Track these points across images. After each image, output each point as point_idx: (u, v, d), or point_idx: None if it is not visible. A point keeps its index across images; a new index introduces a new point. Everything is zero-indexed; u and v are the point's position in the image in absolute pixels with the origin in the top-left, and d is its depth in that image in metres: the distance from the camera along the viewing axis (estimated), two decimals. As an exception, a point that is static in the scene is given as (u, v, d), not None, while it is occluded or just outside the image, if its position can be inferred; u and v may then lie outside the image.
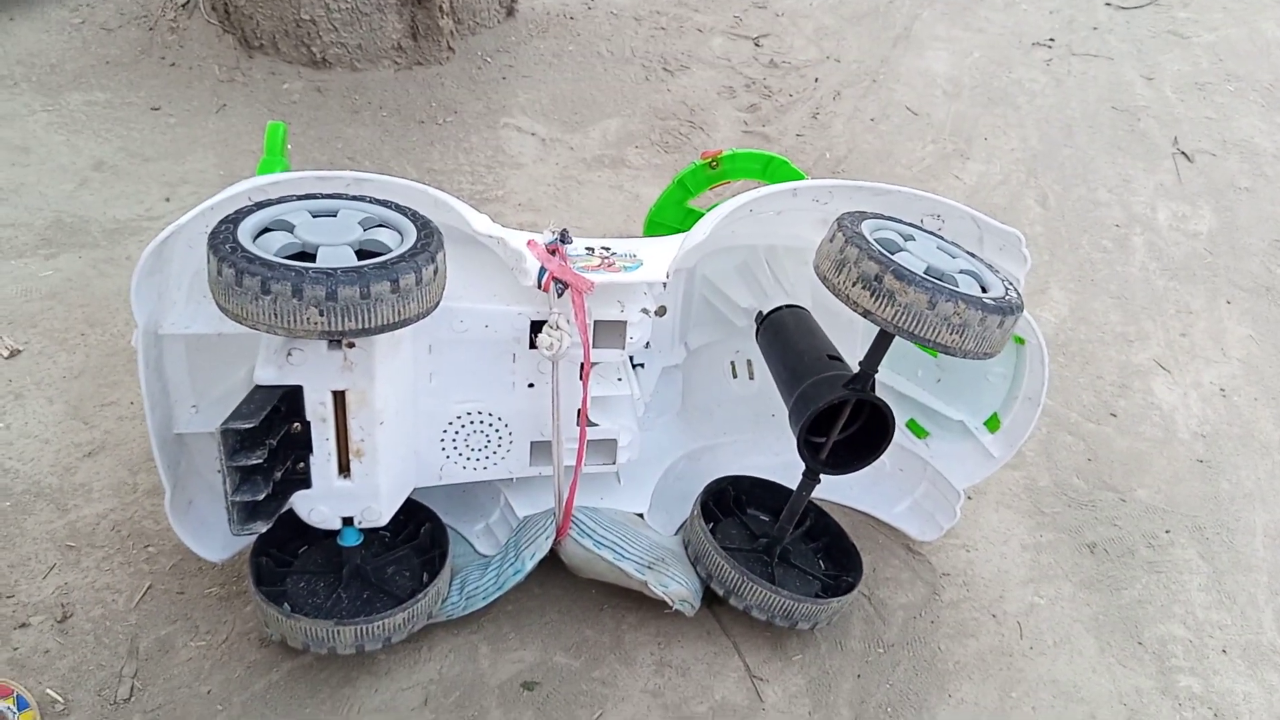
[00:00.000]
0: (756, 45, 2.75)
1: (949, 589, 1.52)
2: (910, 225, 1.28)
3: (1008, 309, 1.12)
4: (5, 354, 1.67)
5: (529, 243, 1.23)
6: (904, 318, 1.10)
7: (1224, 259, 2.20)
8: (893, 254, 1.15)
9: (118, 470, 1.52)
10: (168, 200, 2.00)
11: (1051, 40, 2.93)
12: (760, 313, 1.51)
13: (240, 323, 0.98)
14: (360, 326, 0.98)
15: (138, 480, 1.50)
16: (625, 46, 2.64)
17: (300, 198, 1.12)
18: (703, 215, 1.73)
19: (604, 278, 1.24)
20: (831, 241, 1.18)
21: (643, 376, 1.52)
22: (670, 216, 1.77)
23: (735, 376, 1.67)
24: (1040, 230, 2.22)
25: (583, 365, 1.25)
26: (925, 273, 1.14)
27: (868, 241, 1.14)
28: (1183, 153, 2.50)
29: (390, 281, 0.97)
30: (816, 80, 2.63)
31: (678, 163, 2.28)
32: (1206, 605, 1.54)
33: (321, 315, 0.96)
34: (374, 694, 1.30)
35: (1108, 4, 3.14)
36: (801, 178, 1.72)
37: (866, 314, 1.13)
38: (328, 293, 0.95)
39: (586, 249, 1.31)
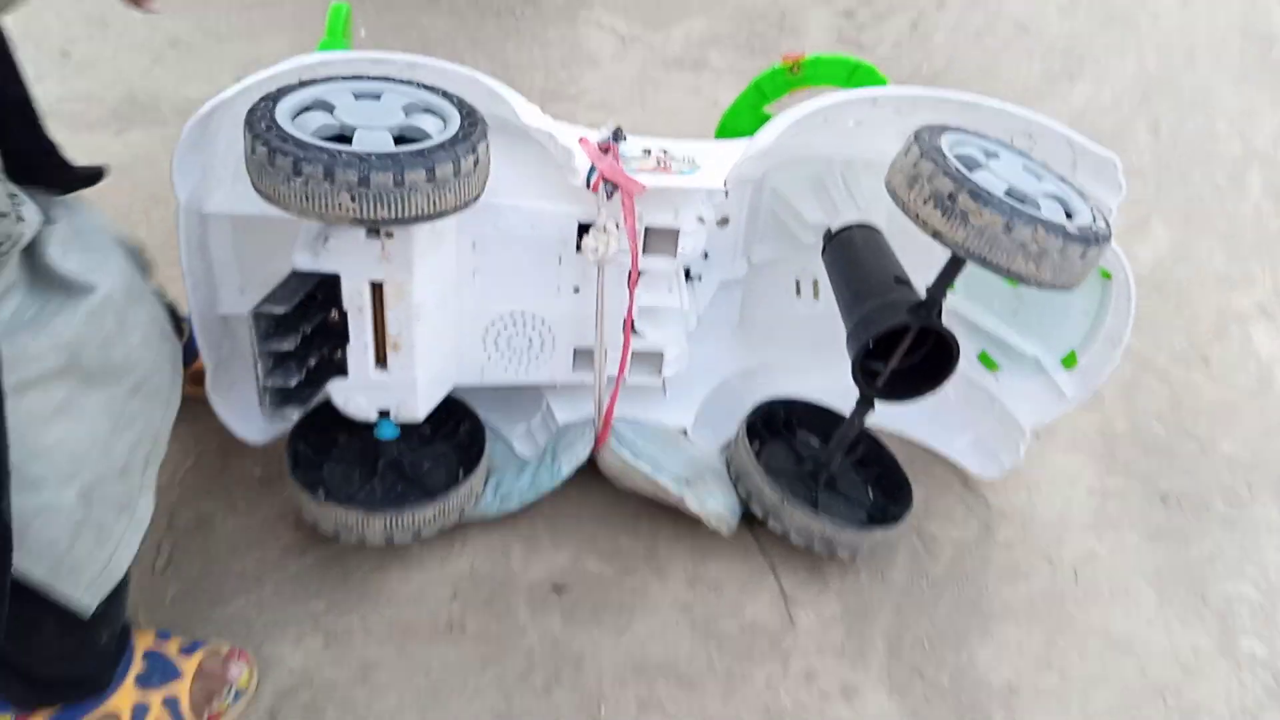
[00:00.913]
0: (859, -53, 2.63)
1: (1004, 528, 1.48)
2: (997, 142, 1.22)
3: (1092, 239, 1.05)
4: (72, 226, 1.71)
5: (581, 140, 1.20)
6: (977, 241, 1.05)
7: (1350, 202, 2.06)
8: (971, 171, 1.10)
9: (172, 347, 1.55)
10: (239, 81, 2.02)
11: (1184, -46, 2.74)
12: (829, 230, 1.46)
13: (272, 204, 0.97)
14: (394, 215, 0.96)
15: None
16: (719, -58, 2.54)
17: (346, 78, 1.10)
18: (775, 121, 1.67)
19: (658, 180, 1.20)
20: (906, 155, 1.12)
21: (699, 288, 1.48)
22: (744, 122, 1.72)
23: (799, 295, 1.62)
24: (1149, 160, 2.10)
25: (631, 272, 1.23)
26: (1006, 194, 1.07)
27: (945, 156, 1.08)
28: (1318, 85, 2.34)
29: (426, 170, 0.95)
30: (921, -13, 2.51)
31: (762, 68, 2.20)
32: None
33: (354, 201, 0.94)
34: (404, 584, 1.32)
35: (1253, -83, 2.91)
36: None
37: (936, 234, 1.07)
38: (360, 177, 0.93)
39: (644, 150, 1.27)
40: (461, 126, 1.03)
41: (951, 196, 1.05)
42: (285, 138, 0.94)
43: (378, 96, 1.08)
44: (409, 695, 1.23)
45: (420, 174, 0.95)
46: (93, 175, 1.21)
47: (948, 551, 1.44)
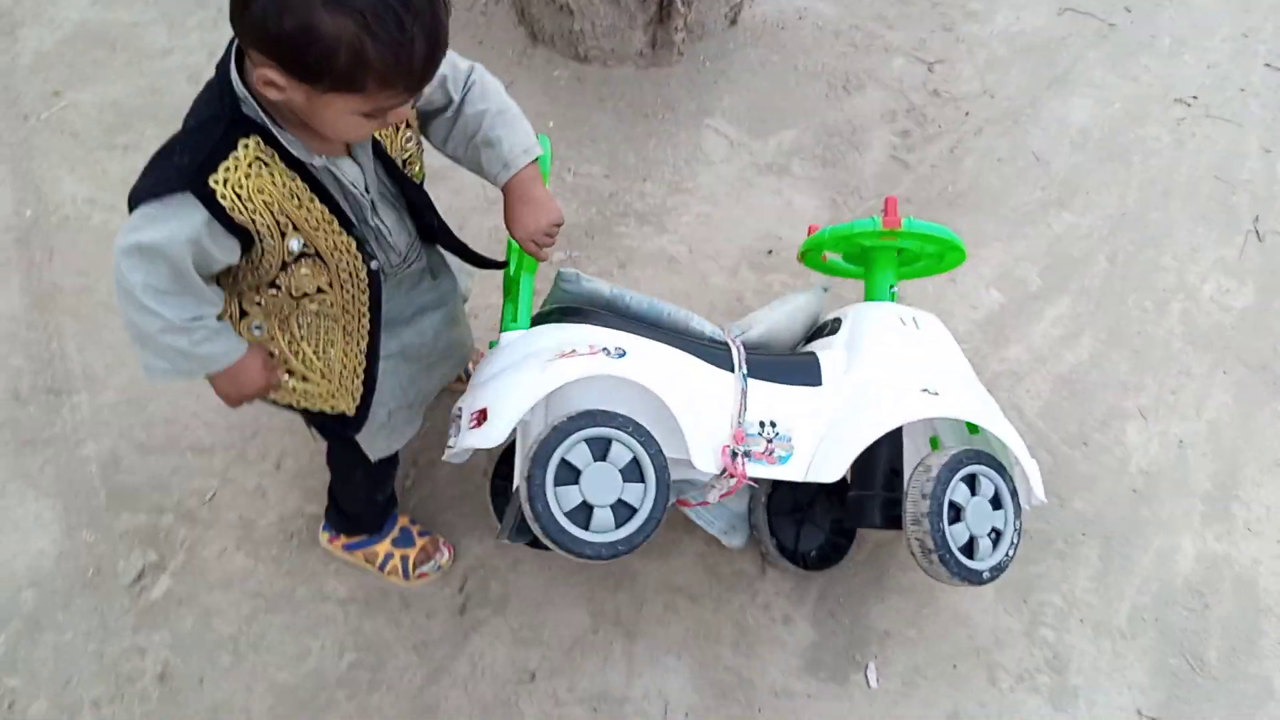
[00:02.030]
0: (930, 71, 3.29)
1: (910, 538, 2.26)
2: (990, 469, 1.74)
3: (997, 572, 1.70)
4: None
5: (723, 449, 1.68)
6: (931, 572, 1.71)
7: (1243, 336, 2.69)
8: (953, 524, 1.66)
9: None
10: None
11: (1194, 98, 3.30)
12: None
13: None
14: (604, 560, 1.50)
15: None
16: (818, 62, 3.24)
17: (584, 424, 1.51)
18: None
19: (760, 471, 1.71)
20: (919, 500, 1.67)
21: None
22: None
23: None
24: (1098, 284, 2.77)
25: (734, 488, 1.75)
26: (962, 547, 1.66)
27: (940, 518, 1.64)
28: (1256, 231, 2.93)
29: (630, 547, 1.50)
30: (967, 114, 3.17)
31: (831, 177, 2.94)
32: (1085, 590, 2.22)
33: (581, 561, 1.56)
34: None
35: (1267, 65, 3.44)
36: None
37: (912, 554, 1.70)
38: (594, 559, 1.49)
39: (759, 423, 1.72)
40: (654, 503, 1.52)
41: (929, 550, 1.64)
42: (559, 528, 1.46)
43: (605, 454, 1.51)
44: (539, 579, 2.10)
45: (627, 548, 1.50)
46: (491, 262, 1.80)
47: (870, 545, 2.23)
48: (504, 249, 1.87)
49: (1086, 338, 2.66)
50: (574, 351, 1.57)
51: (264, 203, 1.33)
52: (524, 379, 1.56)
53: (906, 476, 1.82)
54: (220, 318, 1.50)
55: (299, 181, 1.35)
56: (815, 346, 1.96)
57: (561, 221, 1.60)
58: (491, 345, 1.82)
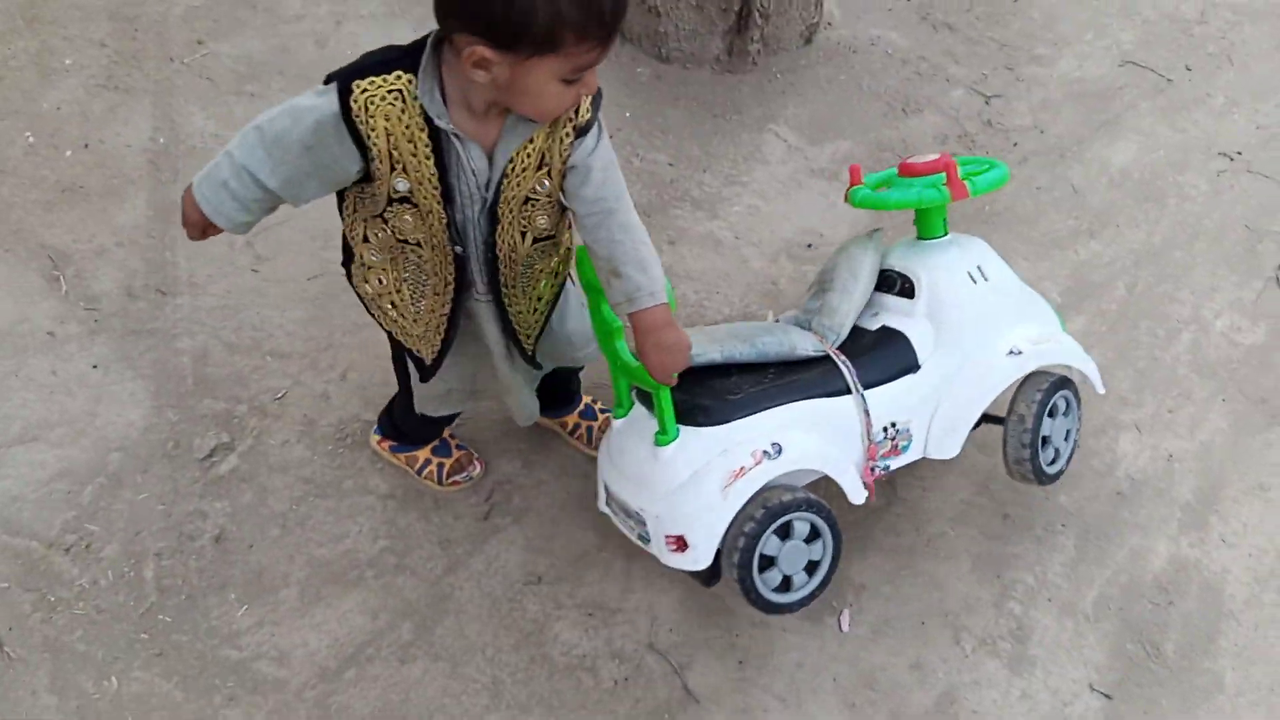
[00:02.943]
0: (986, 103, 3.39)
1: (900, 508, 2.36)
2: (1063, 388, 2.07)
3: (1069, 462, 2.15)
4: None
5: (865, 471, 1.94)
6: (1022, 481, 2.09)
7: (1248, 369, 2.73)
8: (1047, 440, 2.03)
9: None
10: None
11: (1238, 153, 3.34)
12: None
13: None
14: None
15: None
16: (882, 85, 3.37)
17: (768, 522, 1.73)
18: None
19: (892, 464, 2.00)
20: (1014, 451, 2.04)
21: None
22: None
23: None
24: (1114, 309, 2.84)
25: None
26: (1050, 460, 2.07)
27: (1038, 455, 2.02)
28: (1277, 279, 2.97)
29: (826, 586, 1.88)
30: (1015, 144, 3.26)
31: (875, 186, 3.07)
32: (1056, 574, 2.28)
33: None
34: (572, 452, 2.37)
35: (1318, 130, 3.46)
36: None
37: (1010, 476, 2.10)
38: (799, 609, 1.85)
39: (883, 427, 1.92)
40: (834, 548, 1.85)
41: (1028, 478, 2.06)
42: (771, 605, 1.79)
43: (789, 530, 1.76)
44: (557, 499, 2.25)
45: (822, 589, 1.87)
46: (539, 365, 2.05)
47: (862, 509, 2.34)
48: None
49: (1094, 353, 2.67)
50: (742, 469, 1.72)
51: (385, 129, 1.41)
52: (709, 503, 1.73)
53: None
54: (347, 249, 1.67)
55: (425, 134, 1.43)
56: (895, 315, 2.03)
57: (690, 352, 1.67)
58: (618, 415, 2.00)
